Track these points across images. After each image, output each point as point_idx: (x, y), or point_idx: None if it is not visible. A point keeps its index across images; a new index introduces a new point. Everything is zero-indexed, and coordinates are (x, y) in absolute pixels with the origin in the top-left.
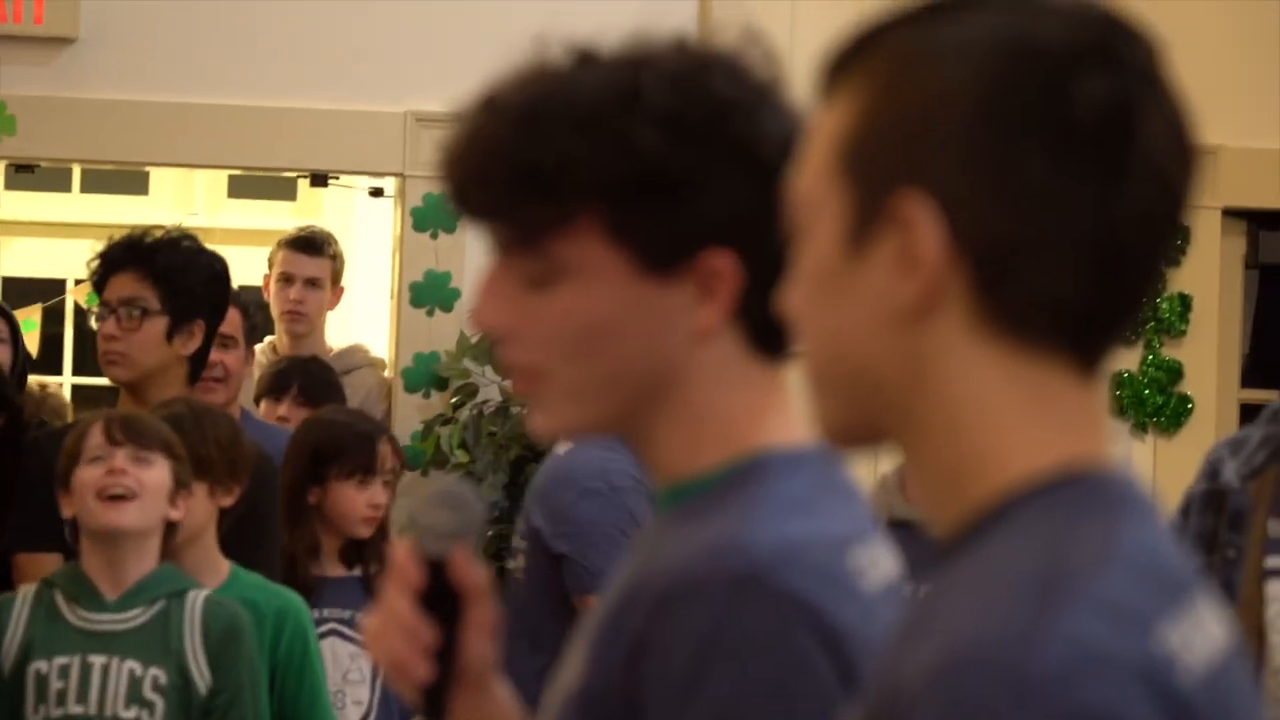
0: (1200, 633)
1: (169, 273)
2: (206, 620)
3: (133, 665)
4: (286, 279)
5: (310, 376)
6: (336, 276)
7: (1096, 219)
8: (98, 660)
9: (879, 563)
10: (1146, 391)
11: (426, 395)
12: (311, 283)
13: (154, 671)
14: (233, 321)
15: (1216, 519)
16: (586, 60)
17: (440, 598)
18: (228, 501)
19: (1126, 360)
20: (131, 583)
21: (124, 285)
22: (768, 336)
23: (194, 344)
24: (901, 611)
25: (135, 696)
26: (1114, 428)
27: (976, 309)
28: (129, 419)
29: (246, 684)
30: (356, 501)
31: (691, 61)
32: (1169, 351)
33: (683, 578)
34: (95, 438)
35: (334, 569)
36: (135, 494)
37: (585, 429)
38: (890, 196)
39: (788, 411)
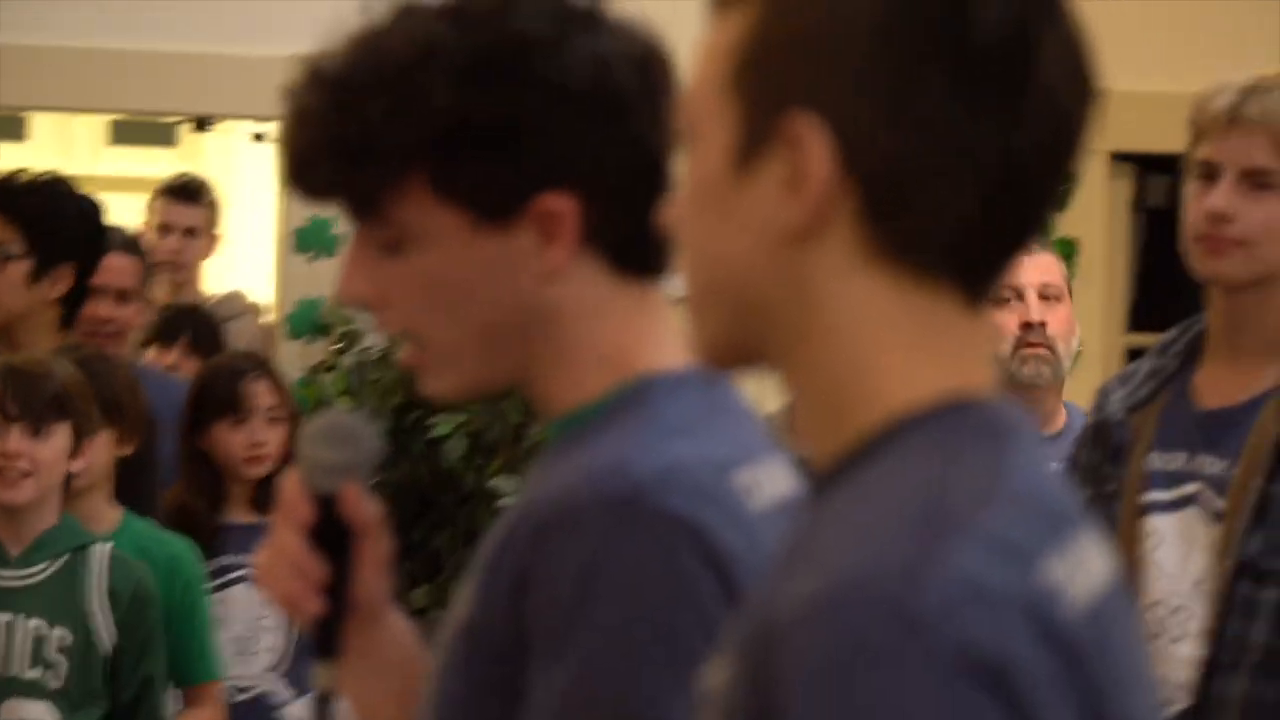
0: (1083, 566)
1: (33, 215)
2: (113, 581)
3: (37, 624)
4: (165, 228)
5: (200, 325)
6: (213, 224)
7: (991, 147)
8: (1, 617)
9: (769, 483)
10: None
11: (310, 342)
12: (190, 232)
13: (58, 631)
14: (130, 272)
15: (1102, 452)
16: (403, 14)
17: (331, 533)
18: (128, 450)
19: None
20: (33, 538)
21: None
22: (632, 260)
23: (62, 287)
24: (780, 541)
25: (38, 657)
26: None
27: (864, 233)
28: (20, 386)
29: (153, 646)
30: (233, 442)
31: (493, 2)
32: None
33: (562, 505)
34: None
35: (244, 515)
36: (30, 473)
37: (474, 387)
38: (781, 115)
39: (669, 335)
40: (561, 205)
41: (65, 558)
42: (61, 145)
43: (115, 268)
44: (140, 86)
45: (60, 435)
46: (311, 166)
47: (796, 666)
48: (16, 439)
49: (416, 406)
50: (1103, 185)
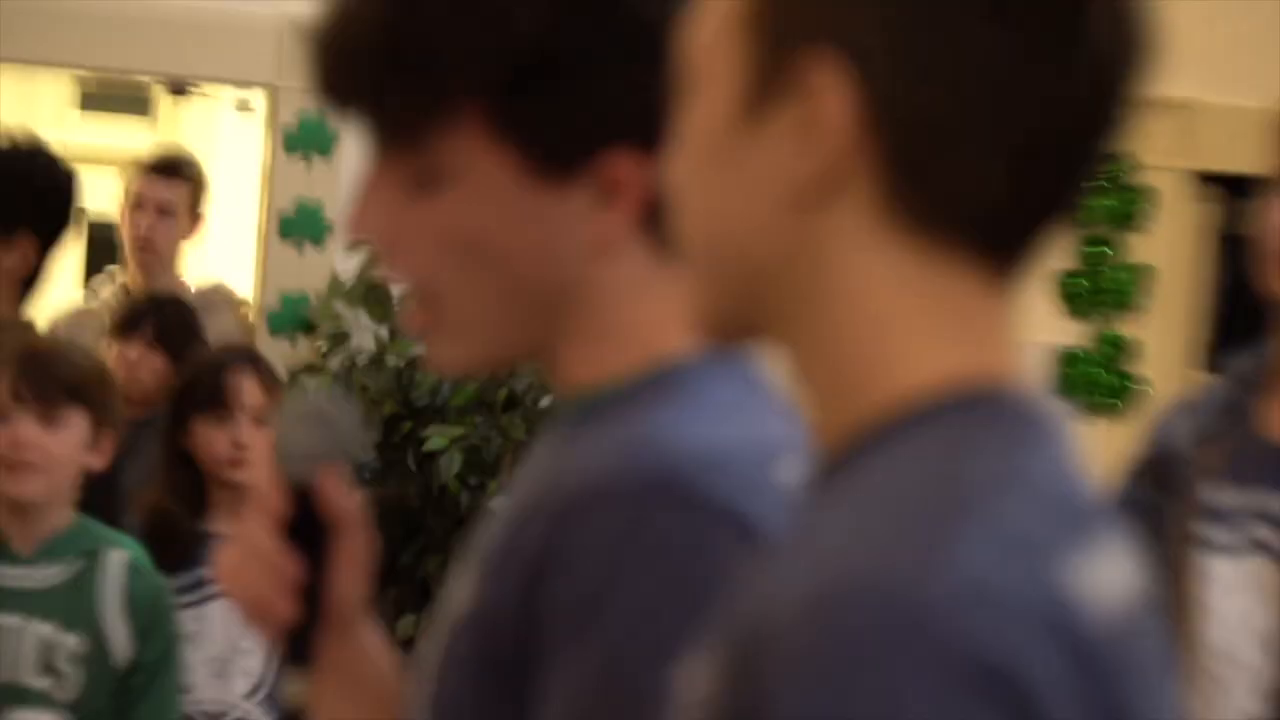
0: (1108, 571)
1: None
2: (131, 588)
3: (47, 628)
4: (138, 204)
5: (166, 316)
6: (195, 203)
7: (1033, 102)
8: (9, 620)
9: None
10: (1098, 370)
11: (293, 341)
12: (164, 210)
13: (69, 639)
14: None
15: (1162, 487)
16: None
17: (307, 528)
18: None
19: (1076, 336)
20: (44, 537)
21: None
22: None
23: (16, 257)
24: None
25: (46, 666)
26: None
27: (884, 194)
28: (38, 368)
29: (171, 663)
30: (216, 441)
31: None
32: (1124, 328)
33: (592, 485)
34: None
35: (226, 524)
36: (42, 465)
37: (486, 358)
38: (796, 56)
39: None
40: (627, 167)
41: (80, 561)
42: (26, 110)
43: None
44: (110, 44)
45: (75, 426)
46: (352, 70)
47: (786, 668)
48: (28, 426)
49: (410, 417)
50: (1187, 208)
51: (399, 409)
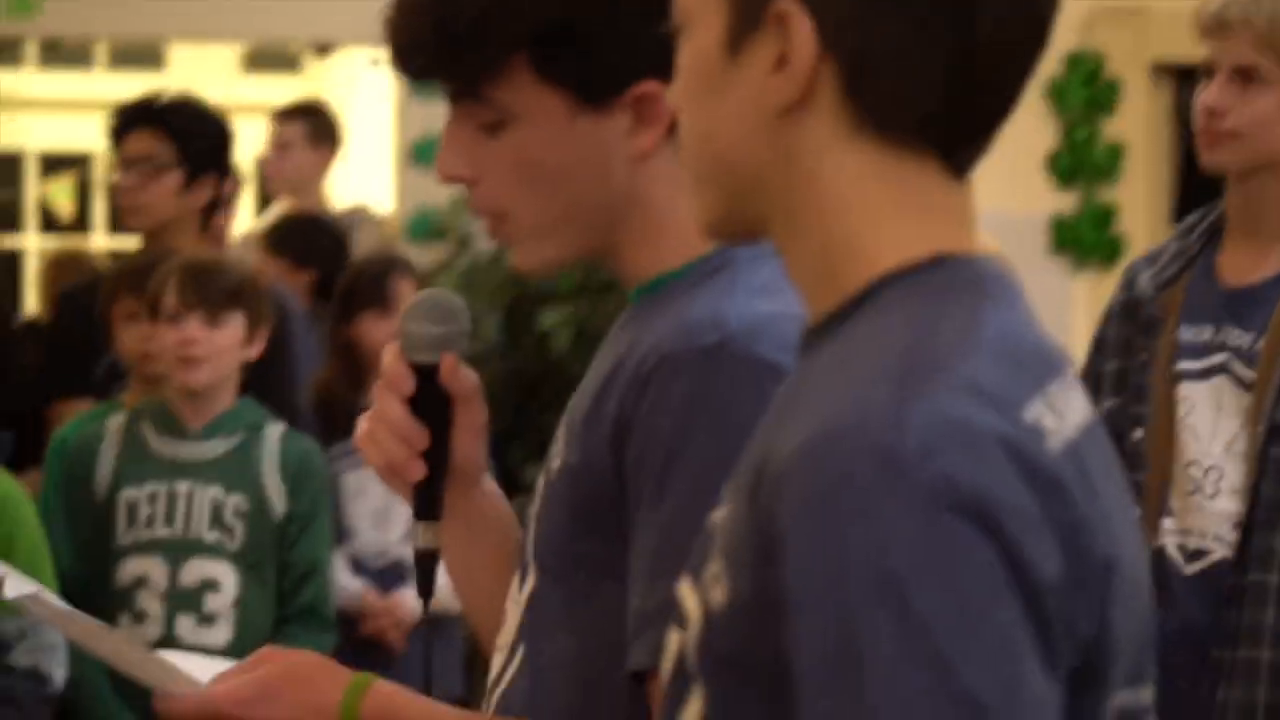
0: (1062, 408)
1: (181, 129)
2: (284, 453)
3: (215, 492)
4: (266, 145)
5: (310, 237)
6: (316, 138)
7: (950, 31)
8: (182, 487)
9: None
10: (1084, 231)
11: (426, 246)
12: (282, 147)
13: (234, 498)
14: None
15: (1132, 326)
16: None
17: (430, 402)
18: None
19: (1065, 203)
20: (213, 416)
21: (140, 142)
22: None
23: (204, 196)
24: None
25: (217, 521)
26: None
27: (845, 108)
28: (200, 279)
29: (319, 513)
30: (377, 332)
31: None
32: (1104, 195)
33: (659, 354)
34: (170, 298)
35: None
36: (208, 358)
37: (559, 259)
38: (768, 1)
39: None
40: (656, 90)
41: (240, 434)
42: (197, 74)
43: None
44: (267, 16)
45: (235, 324)
46: (419, 48)
47: (790, 505)
48: (195, 327)
49: (526, 302)
50: (1146, 94)
51: (516, 296)
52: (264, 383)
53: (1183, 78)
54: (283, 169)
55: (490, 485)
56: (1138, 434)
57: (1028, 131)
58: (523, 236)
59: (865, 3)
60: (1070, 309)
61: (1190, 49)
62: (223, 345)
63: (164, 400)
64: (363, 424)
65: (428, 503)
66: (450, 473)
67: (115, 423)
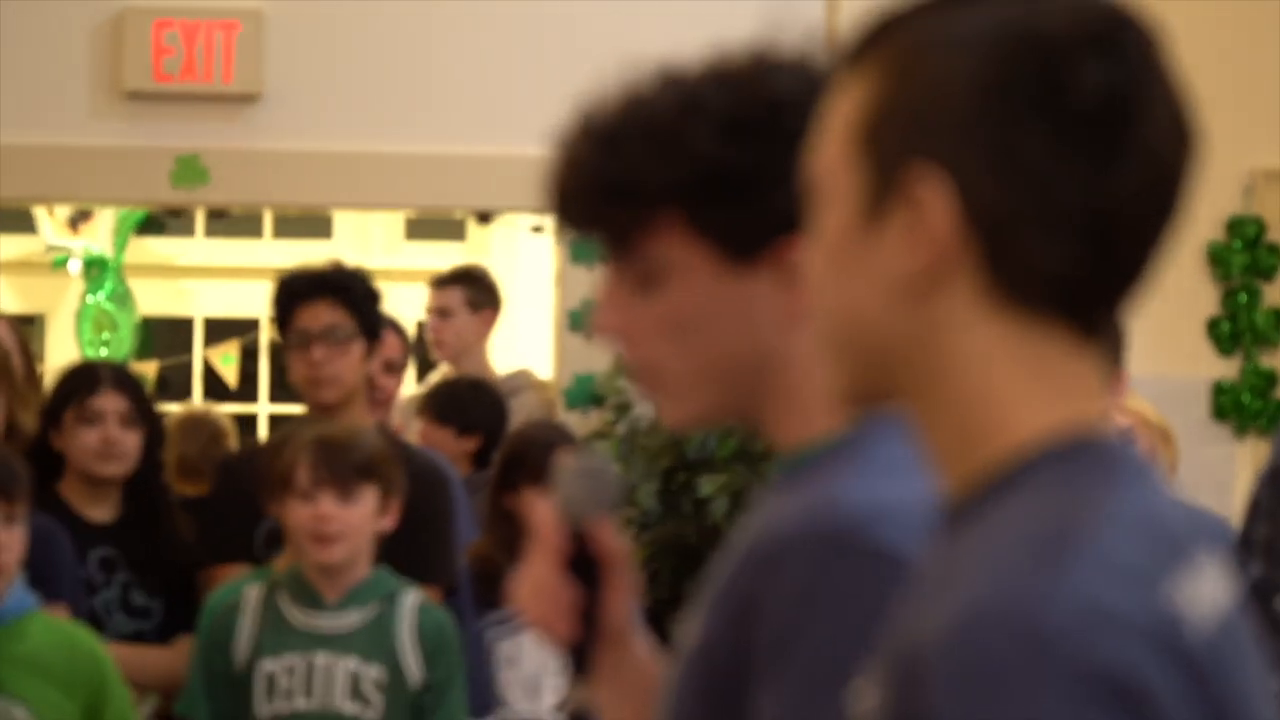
0: (1203, 590)
1: (360, 300)
2: (420, 623)
3: (352, 663)
4: (427, 311)
5: (460, 395)
6: (476, 304)
7: (1090, 197)
8: (321, 659)
9: None
10: (1246, 397)
11: (585, 412)
12: (442, 313)
13: (372, 670)
14: (396, 347)
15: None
16: (667, 78)
17: (583, 563)
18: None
19: (1226, 369)
20: (349, 588)
21: (323, 313)
22: None
23: (373, 365)
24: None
25: (355, 692)
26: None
27: (982, 280)
28: (330, 454)
29: (455, 682)
30: (538, 505)
31: (753, 66)
32: (1266, 360)
33: (783, 540)
34: (302, 474)
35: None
36: (342, 534)
37: (705, 416)
38: (903, 172)
39: None
40: (801, 253)
41: (376, 605)
42: (362, 241)
43: (386, 342)
44: (430, 185)
45: (368, 498)
46: (577, 203)
47: (938, 687)
48: (328, 503)
49: (684, 469)
50: None
51: (675, 462)
52: (423, 552)
53: None
54: (444, 335)
55: (640, 648)
56: (1278, 602)
57: (1189, 296)
58: (669, 391)
59: (1001, 169)
60: (1232, 475)
61: None
62: (356, 521)
63: (300, 571)
64: (520, 585)
65: (580, 662)
66: (602, 634)
67: (254, 592)
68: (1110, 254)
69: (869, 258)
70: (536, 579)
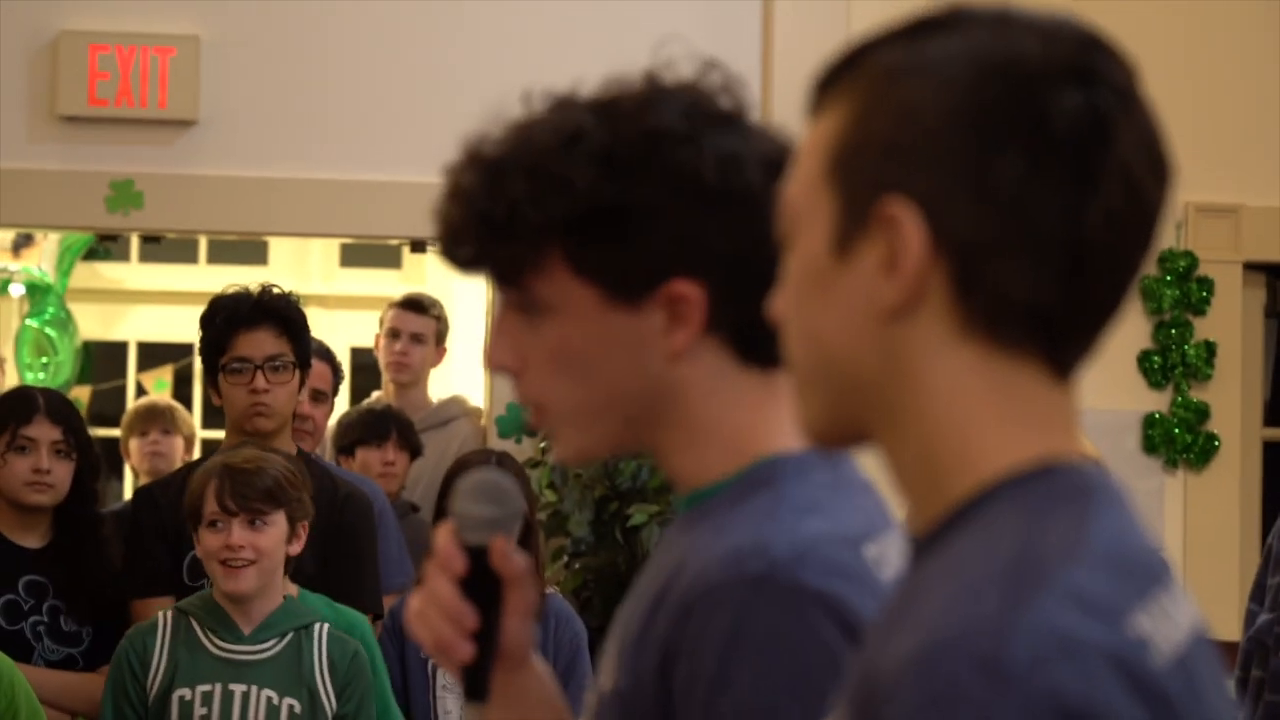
0: (1168, 619)
1: (299, 328)
2: (332, 652)
3: (269, 693)
4: (394, 334)
5: (403, 424)
6: (440, 336)
7: (1064, 225)
8: (238, 688)
9: (895, 554)
10: (1176, 430)
11: (518, 441)
12: (416, 338)
13: (289, 700)
14: (325, 377)
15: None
16: (557, 106)
17: (481, 583)
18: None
19: (1157, 402)
20: (262, 617)
21: (265, 341)
22: (755, 348)
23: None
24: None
25: None
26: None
27: (954, 310)
28: (237, 483)
29: (366, 712)
30: None
31: (640, 96)
32: (1196, 394)
33: (704, 583)
34: (210, 504)
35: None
36: (253, 561)
37: (599, 449)
38: (875, 202)
39: (790, 419)
40: (689, 291)
41: (290, 635)
42: (298, 268)
43: (315, 372)
44: (365, 213)
45: (277, 525)
46: (461, 240)
47: (899, 712)
48: (239, 532)
49: (616, 498)
50: (1238, 292)
51: (607, 492)
52: (350, 579)
53: (1275, 276)
54: (413, 359)
55: (539, 667)
56: None
57: (1120, 329)
58: (561, 426)
59: (975, 200)
60: (1162, 508)
61: None
62: (268, 546)
63: (210, 598)
64: (413, 603)
65: (476, 684)
66: (499, 654)
67: (168, 620)
68: (1085, 284)
69: (841, 288)
70: (431, 596)
